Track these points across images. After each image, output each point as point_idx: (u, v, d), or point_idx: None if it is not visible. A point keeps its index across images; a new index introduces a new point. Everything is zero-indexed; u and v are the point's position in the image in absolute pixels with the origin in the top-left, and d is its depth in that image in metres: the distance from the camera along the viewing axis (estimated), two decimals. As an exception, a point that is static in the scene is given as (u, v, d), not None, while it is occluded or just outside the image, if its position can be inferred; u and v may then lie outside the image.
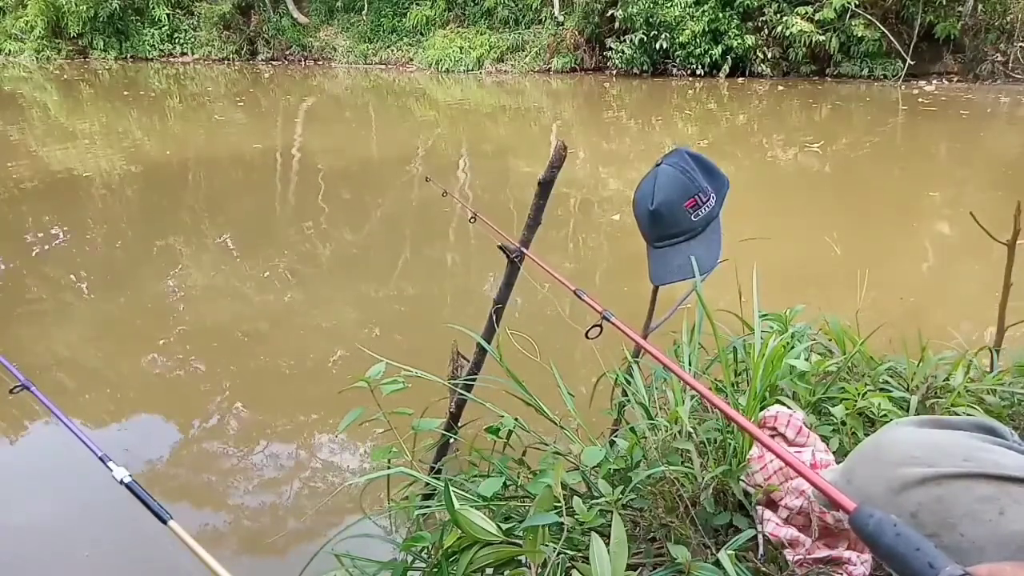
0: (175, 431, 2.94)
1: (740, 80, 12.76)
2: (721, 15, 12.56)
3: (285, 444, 2.83)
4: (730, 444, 1.33)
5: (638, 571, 1.14)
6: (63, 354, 3.55)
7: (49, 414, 1.66)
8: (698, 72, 12.99)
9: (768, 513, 1.19)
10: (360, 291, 4.33)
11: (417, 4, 16.20)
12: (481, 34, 15.46)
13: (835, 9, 11.63)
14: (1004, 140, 8.50)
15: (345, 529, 1.42)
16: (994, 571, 0.55)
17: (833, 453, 1.30)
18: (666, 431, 1.37)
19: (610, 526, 1.01)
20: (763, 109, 10.74)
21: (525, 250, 1.59)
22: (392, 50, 16.29)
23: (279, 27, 17.00)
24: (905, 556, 0.57)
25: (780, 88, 12.04)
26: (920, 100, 10.53)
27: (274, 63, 16.89)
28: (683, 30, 12.59)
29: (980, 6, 11.66)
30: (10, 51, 17.42)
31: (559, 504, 1.12)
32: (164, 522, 1.43)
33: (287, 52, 17.03)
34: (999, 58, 11.79)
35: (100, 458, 1.54)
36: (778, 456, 0.68)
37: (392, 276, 4.52)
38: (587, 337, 1.01)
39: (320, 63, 16.82)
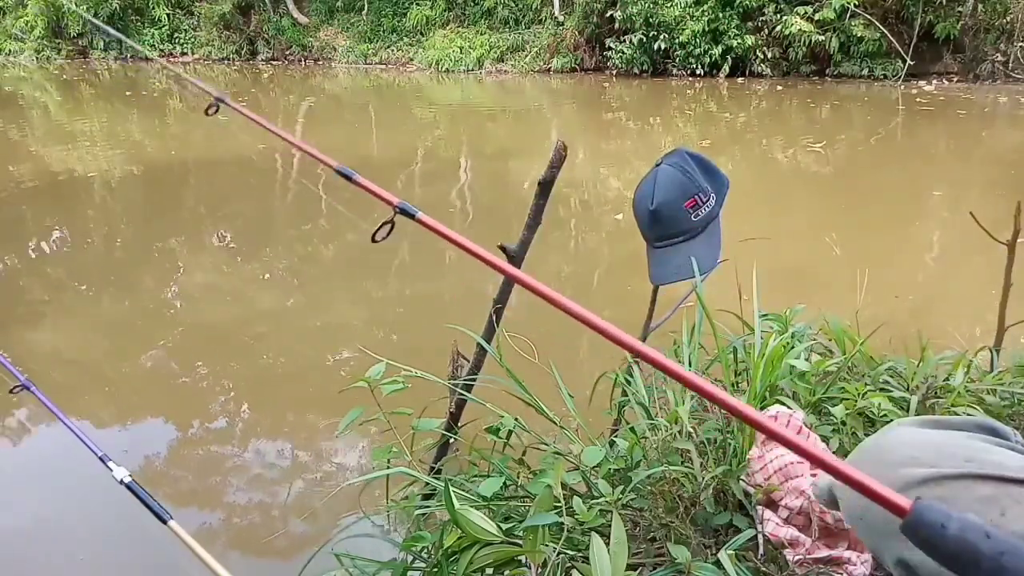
0: (175, 431, 2.94)
1: (740, 80, 12.76)
2: (721, 15, 12.56)
3: (285, 444, 2.83)
4: (730, 444, 1.33)
5: (638, 571, 1.14)
6: (63, 354, 3.55)
7: (49, 414, 1.66)
8: (698, 72, 12.98)
9: (768, 513, 1.19)
10: (360, 291, 4.33)
11: (417, 4, 16.19)
12: (481, 34, 15.45)
13: (835, 9, 11.63)
14: (1004, 140, 8.50)
15: (345, 529, 1.42)
16: None
17: (833, 453, 1.30)
18: (666, 431, 1.37)
19: (610, 526, 1.01)
20: (763, 109, 10.73)
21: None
22: (392, 50, 16.28)
23: (279, 27, 16.99)
24: None
25: (780, 88, 12.03)
26: (919, 100, 10.53)
27: (274, 63, 16.88)
28: (683, 30, 12.59)
29: (980, 6, 11.65)
30: (10, 51, 17.41)
31: (559, 504, 1.12)
32: (164, 522, 1.43)
33: (287, 52, 17.02)
34: (999, 58, 11.79)
35: (100, 458, 1.55)
36: (794, 447, 0.53)
37: (392, 276, 4.51)
38: (374, 240, 0.87)
39: (320, 63, 16.81)
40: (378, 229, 0.89)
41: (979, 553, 0.44)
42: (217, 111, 1.18)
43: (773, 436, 0.52)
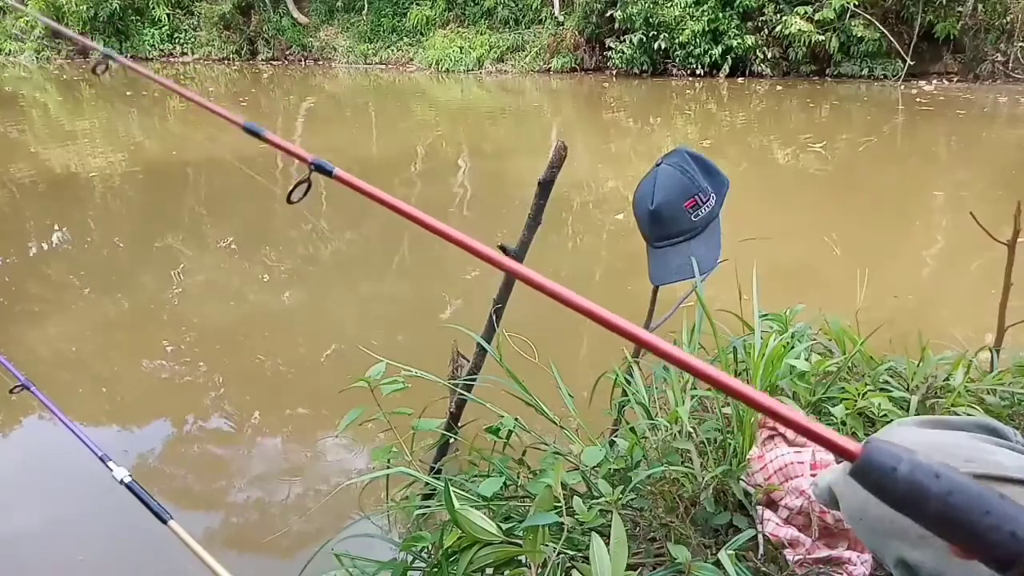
0: (175, 431, 2.94)
1: (740, 80, 12.76)
2: (721, 15, 12.56)
3: (285, 444, 2.83)
4: (730, 444, 1.33)
5: (638, 571, 1.14)
6: (63, 354, 3.55)
7: (49, 414, 1.66)
8: (698, 72, 12.99)
9: (768, 513, 1.19)
10: (360, 291, 4.33)
11: (417, 4, 16.19)
12: (481, 34, 15.45)
13: (835, 9, 11.63)
14: (1004, 140, 8.50)
15: (345, 529, 1.42)
16: None
17: (833, 453, 1.30)
18: (666, 431, 1.37)
19: (610, 526, 1.01)
20: (763, 109, 10.73)
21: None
22: (392, 50, 16.28)
23: (279, 27, 16.99)
24: (967, 523, 0.42)
25: (780, 88, 12.03)
26: (919, 100, 10.53)
27: (274, 63, 16.88)
28: (683, 30, 12.59)
29: (980, 6, 11.65)
30: (10, 51, 17.41)
31: (559, 504, 1.12)
32: (164, 522, 1.43)
33: (287, 52, 17.02)
34: (999, 58, 11.79)
35: (100, 458, 1.55)
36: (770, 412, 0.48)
37: (392, 276, 4.51)
38: (289, 200, 0.85)
39: (320, 63, 16.81)
40: (293, 188, 0.84)
41: (928, 493, 0.42)
42: (107, 69, 1.16)
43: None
